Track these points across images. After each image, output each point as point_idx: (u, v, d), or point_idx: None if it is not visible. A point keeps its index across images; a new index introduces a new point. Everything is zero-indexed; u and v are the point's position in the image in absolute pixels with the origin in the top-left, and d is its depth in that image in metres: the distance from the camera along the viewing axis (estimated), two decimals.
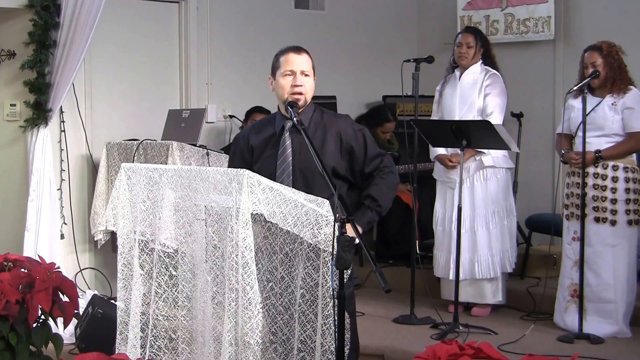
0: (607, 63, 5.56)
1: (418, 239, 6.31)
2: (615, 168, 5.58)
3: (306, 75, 4.02)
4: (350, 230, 3.48)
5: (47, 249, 6.20)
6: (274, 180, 3.98)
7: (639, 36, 7.02)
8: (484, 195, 6.15)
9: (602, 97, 5.60)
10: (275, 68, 4.10)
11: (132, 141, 6.50)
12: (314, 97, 4.12)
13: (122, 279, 3.95)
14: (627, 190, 5.58)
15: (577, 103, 5.67)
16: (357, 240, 3.58)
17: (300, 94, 4.01)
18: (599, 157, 5.57)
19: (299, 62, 4.03)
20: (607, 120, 5.57)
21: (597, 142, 5.58)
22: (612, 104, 5.58)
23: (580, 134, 5.61)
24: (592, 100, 5.59)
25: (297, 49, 4.09)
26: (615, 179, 5.58)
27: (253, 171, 4.02)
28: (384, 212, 4.02)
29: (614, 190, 5.57)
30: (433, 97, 6.46)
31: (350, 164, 4.03)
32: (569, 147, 5.76)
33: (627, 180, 5.58)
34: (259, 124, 4.24)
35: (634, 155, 5.67)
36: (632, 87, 5.61)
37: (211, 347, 3.78)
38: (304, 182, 3.94)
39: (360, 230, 3.84)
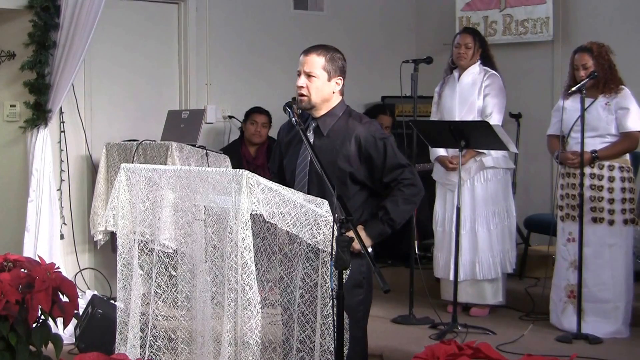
0: (598, 64, 5.56)
1: (417, 239, 6.33)
2: (611, 168, 5.60)
3: (311, 76, 3.95)
4: (361, 233, 3.49)
5: (46, 250, 6.21)
6: (294, 178, 4.00)
7: (637, 36, 7.04)
8: (484, 195, 6.16)
9: (594, 97, 5.60)
10: None
11: (132, 142, 6.50)
12: None
13: (121, 279, 3.97)
14: (623, 189, 5.59)
15: (568, 104, 5.68)
16: (361, 248, 3.60)
17: (302, 95, 3.98)
18: (595, 157, 5.58)
19: (304, 63, 3.98)
20: (601, 120, 5.59)
21: (591, 143, 5.59)
22: (606, 104, 5.59)
23: (573, 134, 5.62)
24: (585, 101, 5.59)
25: (308, 50, 4.02)
26: (611, 179, 5.59)
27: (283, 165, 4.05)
28: (397, 225, 3.95)
29: (610, 190, 5.58)
30: (432, 97, 6.47)
31: (369, 172, 3.97)
32: (563, 148, 5.75)
33: (622, 179, 5.60)
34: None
35: (627, 154, 5.68)
36: (623, 86, 5.62)
37: (210, 347, 3.79)
38: (317, 183, 3.92)
39: (370, 241, 3.83)
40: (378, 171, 3.97)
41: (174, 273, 3.93)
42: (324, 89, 3.98)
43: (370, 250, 3.78)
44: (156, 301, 3.94)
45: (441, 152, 6.25)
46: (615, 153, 5.60)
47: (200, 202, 3.81)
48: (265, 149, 7.30)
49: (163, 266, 3.94)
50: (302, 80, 3.97)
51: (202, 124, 6.47)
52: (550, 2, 7.47)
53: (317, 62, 3.96)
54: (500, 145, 5.79)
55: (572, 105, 5.64)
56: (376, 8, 8.46)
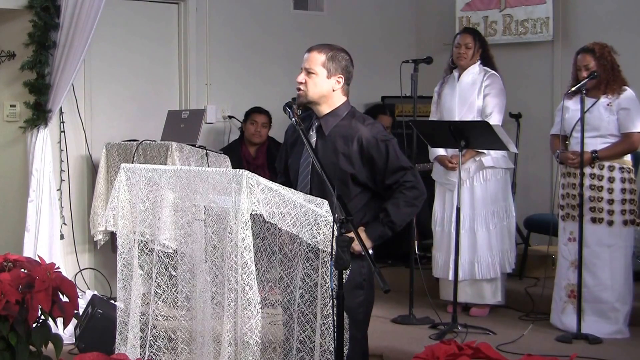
0: (600, 65, 5.56)
1: (417, 239, 6.33)
2: (611, 169, 5.60)
3: (310, 72, 3.97)
4: (362, 234, 3.48)
5: (46, 250, 6.21)
6: (297, 178, 4.01)
7: (636, 37, 7.04)
8: (483, 195, 6.17)
9: (596, 97, 5.61)
10: None
11: (132, 142, 6.50)
12: None
13: (121, 279, 3.97)
14: (623, 190, 5.59)
15: (571, 104, 5.69)
16: (362, 250, 3.59)
17: (299, 90, 4.00)
18: (596, 157, 5.58)
19: (306, 60, 4.00)
20: (602, 121, 5.59)
21: (592, 143, 5.60)
22: (608, 105, 5.59)
23: (575, 134, 5.62)
24: (586, 101, 5.59)
25: (311, 47, 4.04)
26: (611, 180, 5.59)
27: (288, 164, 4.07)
28: (397, 228, 3.94)
29: (610, 190, 5.59)
30: (432, 97, 6.48)
31: (371, 173, 3.96)
32: (564, 148, 5.76)
33: (622, 180, 5.60)
34: (302, 119, 4.08)
35: (629, 155, 5.68)
36: (626, 87, 5.63)
37: (210, 347, 3.79)
38: (319, 183, 3.92)
39: (370, 243, 3.83)
40: (380, 173, 3.96)
41: (174, 273, 3.94)
42: (322, 86, 3.98)
43: (370, 251, 3.78)
44: (156, 301, 3.95)
45: (440, 151, 6.25)
46: (616, 153, 5.60)
47: (200, 202, 3.81)
48: (265, 149, 7.31)
49: (163, 266, 3.94)
50: (300, 76, 4.00)
51: (202, 124, 6.48)
52: (550, 2, 7.47)
53: (317, 59, 3.98)
54: (500, 145, 5.79)
55: (574, 105, 5.64)
56: (376, 8, 8.46)
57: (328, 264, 3.58)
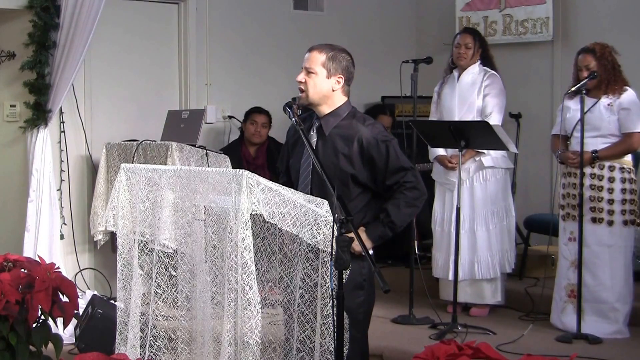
0: (600, 65, 5.57)
1: (417, 239, 6.33)
2: (611, 169, 5.60)
3: (310, 72, 3.97)
4: (362, 235, 3.48)
5: (46, 250, 6.21)
6: (299, 178, 4.01)
7: (637, 37, 7.04)
8: (483, 195, 6.17)
9: (597, 98, 5.61)
10: None
11: (132, 142, 6.50)
12: None
13: (121, 279, 3.97)
14: (624, 190, 5.59)
15: (572, 104, 5.69)
16: (362, 250, 3.59)
17: (301, 90, 4.01)
18: (596, 157, 5.58)
19: (306, 59, 4.01)
20: (603, 121, 5.59)
21: (593, 143, 5.60)
22: (608, 105, 5.59)
23: (576, 134, 5.63)
24: (587, 101, 5.59)
25: (312, 47, 4.04)
26: (611, 180, 5.60)
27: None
28: (397, 229, 3.94)
29: (610, 190, 5.59)
30: (432, 97, 6.48)
31: (371, 174, 3.96)
32: (564, 148, 5.76)
33: (623, 180, 5.60)
34: (303, 119, 4.09)
35: (630, 155, 5.69)
36: (627, 87, 5.63)
37: (210, 347, 3.79)
38: (319, 183, 3.91)
39: (370, 243, 3.83)
40: (380, 174, 3.96)
41: (174, 273, 3.94)
42: (322, 86, 3.98)
43: (370, 252, 3.77)
44: (156, 301, 3.95)
45: (440, 151, 6.25)
46: (616, 153, 5.60)
47: (200, 202, 3.81)
48: (265, 149, 7.31)
49: (163, 266, 3.94)
50: (300, 76, 4.00)
51: (202, 124, 6.48)
52: (550, 2, 7.47)
53: (317, 59, 3.98)
54: (500, 145, 5.80)
55: (575, 105, 5.64)
56: (376, 8, 8.46)
57: (328, 264, 3.58)
